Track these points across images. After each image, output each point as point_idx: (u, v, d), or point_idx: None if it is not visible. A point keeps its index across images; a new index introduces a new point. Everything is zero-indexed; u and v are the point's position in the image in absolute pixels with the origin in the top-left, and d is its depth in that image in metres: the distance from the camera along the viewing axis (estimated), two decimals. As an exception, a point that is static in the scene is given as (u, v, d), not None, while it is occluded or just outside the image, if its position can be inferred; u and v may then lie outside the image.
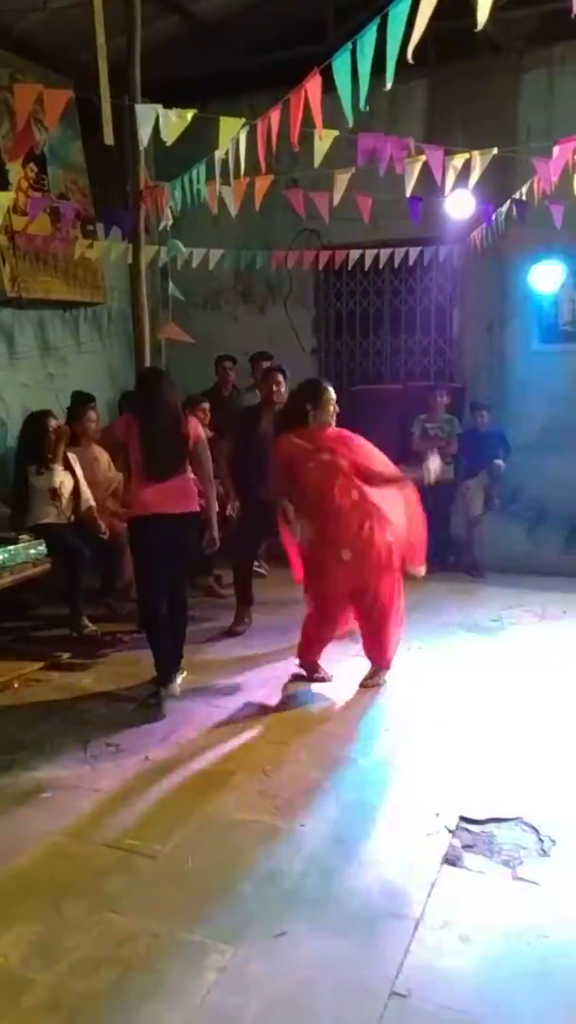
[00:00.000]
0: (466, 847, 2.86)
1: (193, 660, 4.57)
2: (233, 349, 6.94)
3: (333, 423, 4.15)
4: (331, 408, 4.12)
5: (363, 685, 4.25)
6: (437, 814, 3.04)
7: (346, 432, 4.17)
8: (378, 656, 4.29)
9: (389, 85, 2.74)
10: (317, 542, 4.13)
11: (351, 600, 4.20)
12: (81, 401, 5.97)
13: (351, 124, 3.10)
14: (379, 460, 4.15)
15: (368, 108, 3.00)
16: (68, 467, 5.10)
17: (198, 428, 4.24)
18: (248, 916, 2.51)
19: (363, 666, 4.37)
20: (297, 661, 4.36)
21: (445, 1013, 2.13)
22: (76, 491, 5.14)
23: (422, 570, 4.36)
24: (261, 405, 5.21)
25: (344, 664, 4.47)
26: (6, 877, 2.75)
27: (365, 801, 3.18)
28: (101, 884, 2.68)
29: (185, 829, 2.99)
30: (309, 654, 4.33)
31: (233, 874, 2.73)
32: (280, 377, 5.11)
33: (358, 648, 4.44)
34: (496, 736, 3.71)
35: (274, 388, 5.08)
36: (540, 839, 2.89)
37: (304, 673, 4.35)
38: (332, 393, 4.15)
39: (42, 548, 4.88)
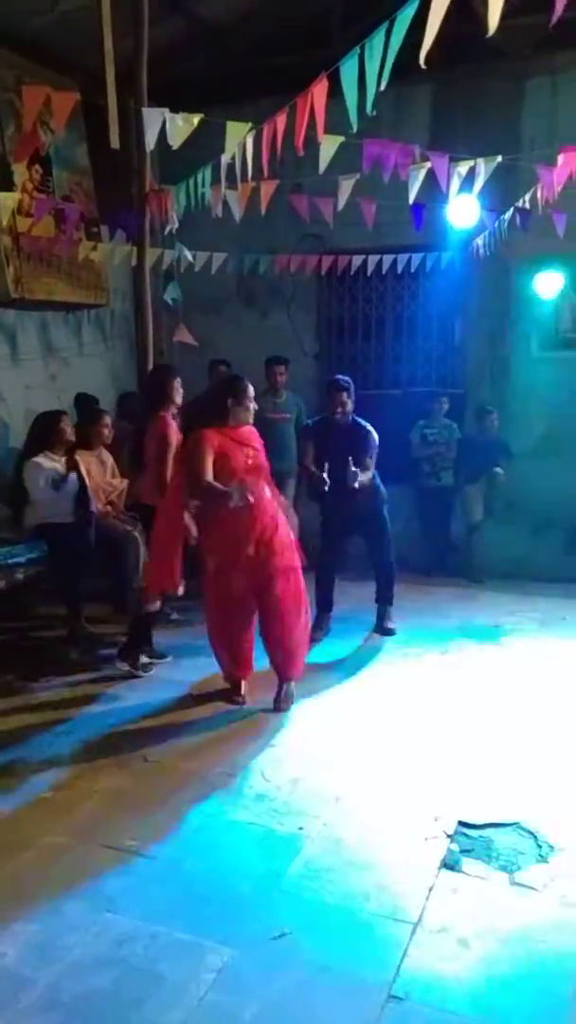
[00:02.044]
0: (464, 852, 2.86)
1: (196, 662, 4.58)
2: (235, 353, 6.95)
3: (250, 423, 4.09)
4: (250, 406, 4.04)
5: (277, 708, 4.01)
6: (436, 818, 3.05)
7: (254, 431, 4.13)
8: (288, 667, 4.07)
9: (383, 86, 2.75)
10: (229, 538, 3.93)
11: (257, 596, 3.99)
12: (88, 404, 5.95)
13: (355, 129, 3.12)
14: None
15: (374, 113, 3.02)
16: (75, 467, 5.08)
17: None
18: (246, 918, 2.52)
19: (367, 673, 4.37)
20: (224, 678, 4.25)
21: (442, 1017, 2.13)
22: (82, 491, 5.12)
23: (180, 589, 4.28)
24: (328, 418, 5.15)
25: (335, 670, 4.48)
26: (5, 876, 2.75)
27: (364, 805, 3.18)
28: (100, 884, 2.68)
29: (184, 830, 2.99)
30: (232, 668, 4.18)
31: (231, 876, 2.73)
32: (344, 396, 5.04)
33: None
34: (495, 741, 3.72)
35: (339, 407, 5.05)
36: (538, 844, 2.89)
37: (229, 691, 4.19)
38: (252, 391, 4.07)
39: (43, 548, 4.89)
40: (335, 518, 5.17)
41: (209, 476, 3.84)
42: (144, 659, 4.61)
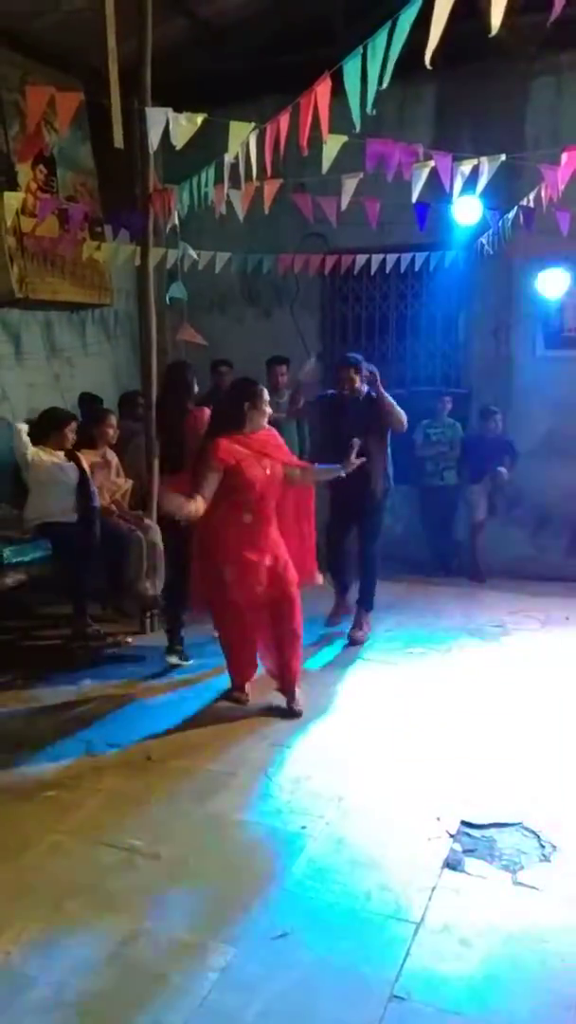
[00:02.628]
0: (467, 851, 2.86)
1: (198, 664, 4.59)
2: (238, 353, 6.95)
3: (266, 425, 4.03)
4: (266, 410, 3.99)
5: (296, 714, 3.98)
6: (438, 818, 3.05)
7: (272, 432, 4.10)
8: (290, 678, 4.05)
9: (385, 84, 2.75)
10: (242, 551, 3.87)
11: (269, 609, 3.98)
12: (92, 404, 5.95)
13: (358, 129, 3.11)
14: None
15: (376, 112, 3.01)
16: (75, 460, 5.08)
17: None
18: (249, 917, 2.52)
19: (370, 672, 4.37)
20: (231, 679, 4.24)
21: (444, 1016, 2.13)
22: (85, 488, 5.13)
23: (319, 579, 4.36)
24: (339, 395, 5.11)
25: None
26: (8, 875, 2.75)
27: (367, 804, 3.18)
28: (103, 883, 2.69)
29: (187, 829, 3.00)
30: (239, 669, 4.19)
31: (234, 875, 2.73)
32: (350, 373, 5.00)
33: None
34: (498, 741, 3.72)
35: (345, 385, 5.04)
36: (541, 844, 2.89)
37: (232, 691, 4.20)
38: (267, 395, 4.03)
39: (47, 547, 4.89)
40: (342, 498, 5.11)
41: (203, 494, 3.75)
42: (175, 659, 4.63)
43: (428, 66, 2.49)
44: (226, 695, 4.18)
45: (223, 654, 4.21)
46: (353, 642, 5.03)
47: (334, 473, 4.20)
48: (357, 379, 5.01)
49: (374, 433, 4.86)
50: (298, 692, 4.06)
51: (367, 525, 5.14)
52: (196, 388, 4.72)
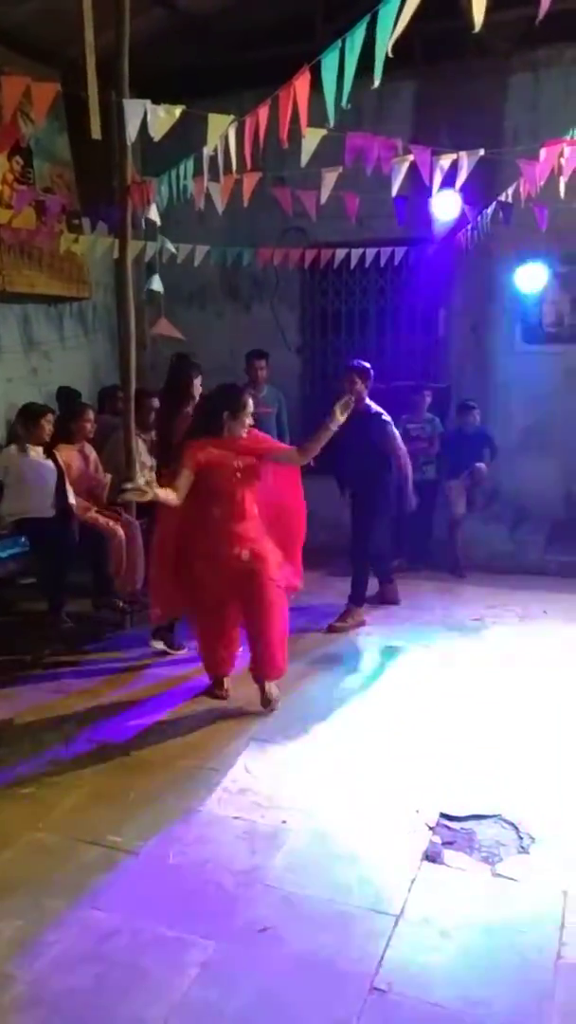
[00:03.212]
0: (446, 844, 2.88)
1: (178, 660, 4.58)
2: (218, 347, 6.93)
3: (245, 435, 3.98)
4: (247, 421, 3.95)
5: (269, 709, 3.95)
6: (417, 811, 3.07)
7: (257, 434, 4.08)
8: (269, 667, 3.97)
9: (377, 83, 2.74)
10: (209, 548, 3.91)
11: (242, 599, 3.96)
12: (71, 398, 5.91)
13: (332, 123, 3.11)
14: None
15: (350, 106, 3.01)
16: (53, 458, 5.06)
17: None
18: (230, 912, 2.52)
19: (350, 667, 4.37)
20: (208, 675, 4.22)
21: (424, 1007, 2.15)
22: (61, 485, 5.10)
23: (299, 584, 4.31)
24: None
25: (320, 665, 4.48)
26: (-13, 873, 2.74)
27: (347, 798, 3.19)
28: (82, 880, 2.68)
29: (167, 825, 2.99)
30: (209, 668, 4.19)
31: (215, 870, 2.74)
32: (352, 379, 5.08)
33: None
34: (477, 734, 3.74)
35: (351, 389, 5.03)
36: (520, 836, 2.92)
37: (211, 687, 4.18)
38: (251, 406, 4.00)
39: (23, 543, 4.86)
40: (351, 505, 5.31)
41: (175, 487, 3.77)
42: (161, 646, 4.60)
43: (389, 54, 2.48)
44: (207, 691, 4.18)
45: (199, 647, 4.21)
46: (330, 629, 5.15)
47: (327, 430, 3.98)
48: (360, 385, 5.06)
49: (373, 449, 5.01)
50: (272, 686, 4.03)
51: (356, 523, 5.28)
52: (199, 390, 4.57)
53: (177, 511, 3.88)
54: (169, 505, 3.81)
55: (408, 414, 6.54)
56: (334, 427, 3.97)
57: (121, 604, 5.14)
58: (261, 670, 3.99)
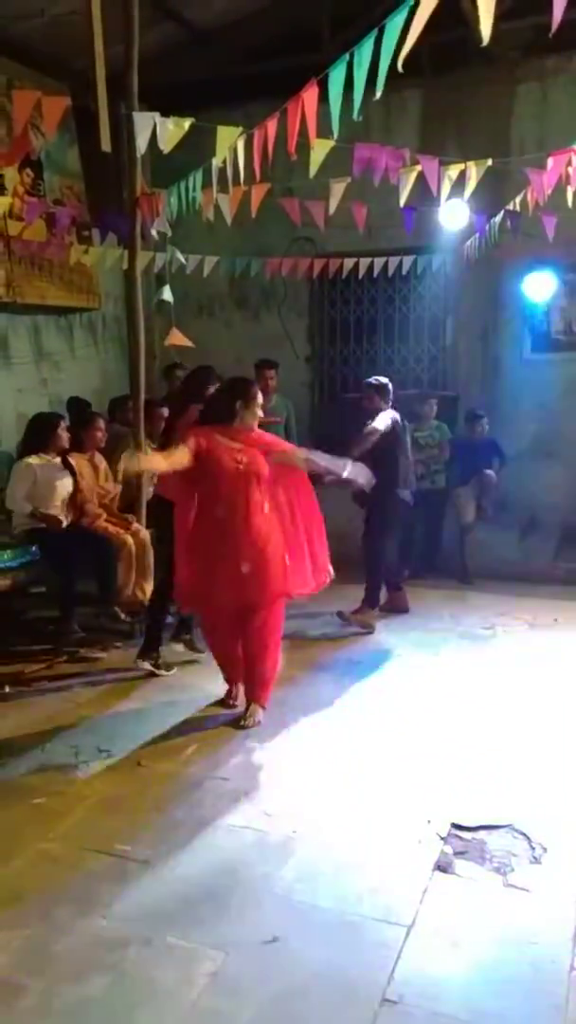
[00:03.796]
0: (458, 854, 2.87)
1: (188, 668, 4.58)
2: (227, 356, 6.95)
3: (256, 428, 3.97)
4: (258, 412, 3.94)
5: (241, 726, 3.88)
6: (429, 821, 3.05)
7: (264, 433, 4.06)
8: (258, 691, 3.96)
9: (379, 95, 2.76)
10: (215, 550, 3.83)
11: (238, 618, 3.93)
12: (80, 407, 5.93)
13: (336, 135, 3.13)
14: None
15: (361, 118, 3.03)
16: (68, 467, 5.08)
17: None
18: (239, 922, 2.51)
19: (359, 675, 4.36)
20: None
21: (436, 1019, 2.13)
22: (74, 495, 5.12)
23: (327, 579, 4.21)
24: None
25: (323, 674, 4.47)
26: (-3, 882, 2.74)
27: (357, 808, 3.18)
28: (92, 889, 2.68)
29: (177, 835, 2.99)
30: (224, 673, 4.16)
31: (225, 880, 2.73)
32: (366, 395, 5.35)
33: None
34: (488, 743, 3.73)
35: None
36: (531, 846, 2.90)
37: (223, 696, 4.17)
38: (260, 397, 4.01)
39: (34, 552, 4.87)
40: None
41: (165, 454, 3.82)
42: (147, 665, 4.59)
43: (400, 69, 2.51)
44: (217, 701, 4.17)
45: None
46: (339, 614, 5.31)
47: (336, 468, 4.06)
48: (377, 402, 5.30)
49: (380, 459, 5.03)
50: (257, 707, 3.95)
51: (367, 532, 5.39)
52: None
53: (190, 512, 3.89)
54: (183, 503, 3.86)
55: (415, 423, 6.54)
56: (342, 475, 4.09)
57: (122, 615, 5.15)
58: (251, 692, 4.01)
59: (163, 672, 4.58)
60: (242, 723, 3.90)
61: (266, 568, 3.83)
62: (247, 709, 3.97)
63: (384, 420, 5.22)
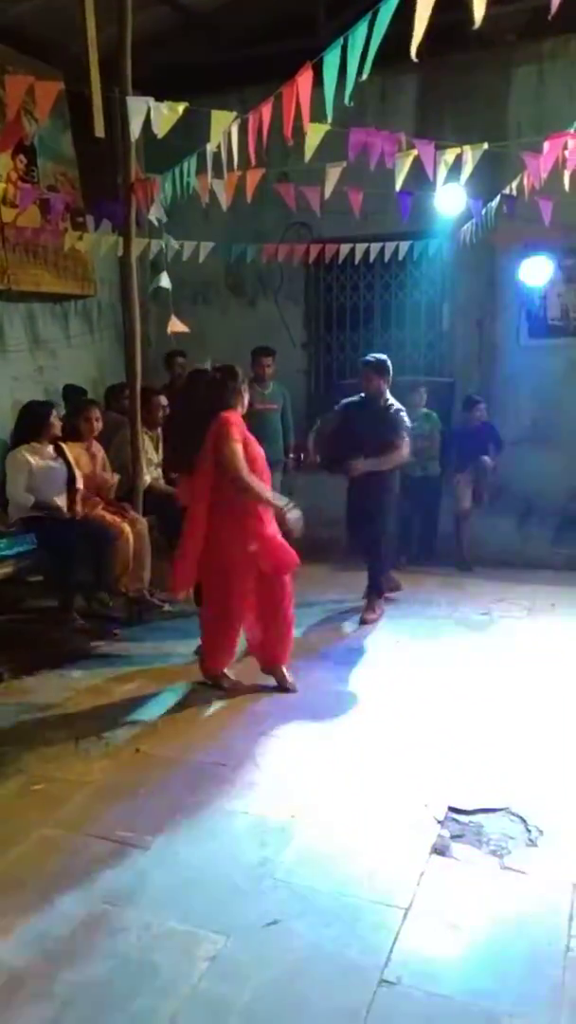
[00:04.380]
0: (454, 837, 2.89)
1: (182, 651, 4.60)
2: (224, 343, 6.94)
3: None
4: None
5: (288, 690, 4.10)
6: (426, 805, 3.07)
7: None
8: (279, 652, 4.13)
9: (365, 76, 2.75)
10: (262, 524, 3.94)
11: (257, 587, 4.03)
12: (76, 395, 5.92)
13: (329, 119, 3.11)
14: None
15: (352, 103, 3.01)
16: (62, 456, 5.07)
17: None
18: (239, 906, 2.53)
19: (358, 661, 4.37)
20: (203, 675, 4.21)
21: (433, 999, 2.16)
22: (71, 483, 5.12)
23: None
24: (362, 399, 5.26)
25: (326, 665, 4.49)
26: (-2, 869, 2.76)
27: (355, 792, 3.20)
28: (93, 875, 2.70)
29: (176, 820, 3.01)
30: (215, 662, 4.18)
31: (224, 864, 2.75)
32: (370, 374, 5.16)
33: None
34: (484, 728, 3.75)
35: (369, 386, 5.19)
36: (528, 829, 2.92)
37: (218, 677, 4.19)
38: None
39: (32, 541, 4.87)
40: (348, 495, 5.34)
41: (248, 472, 3.83)
42: None
43: (414, 59, 2.49)
44: (213, 682, 4.19)
45: (210, 642, 4.19)
46: (363, 622, 5.21)
47: (278, 506, 4.03)
48: (377, 381, 5.12)
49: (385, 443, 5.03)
50: (286, 669, 4.14)
51: (367, 517, 5.30)
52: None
53: (206, 498, 3.92)
54: (202, 493, 3.90)
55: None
56: (284, 515, 4.03)
57: (110, 603, 5.16)
58: (275, 654, 4.13)
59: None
60: (290, 688, 4.12)
61: (273, 536, 3.98)
62: (284, 678, 4.14)
63: (406, 415, 5.15)
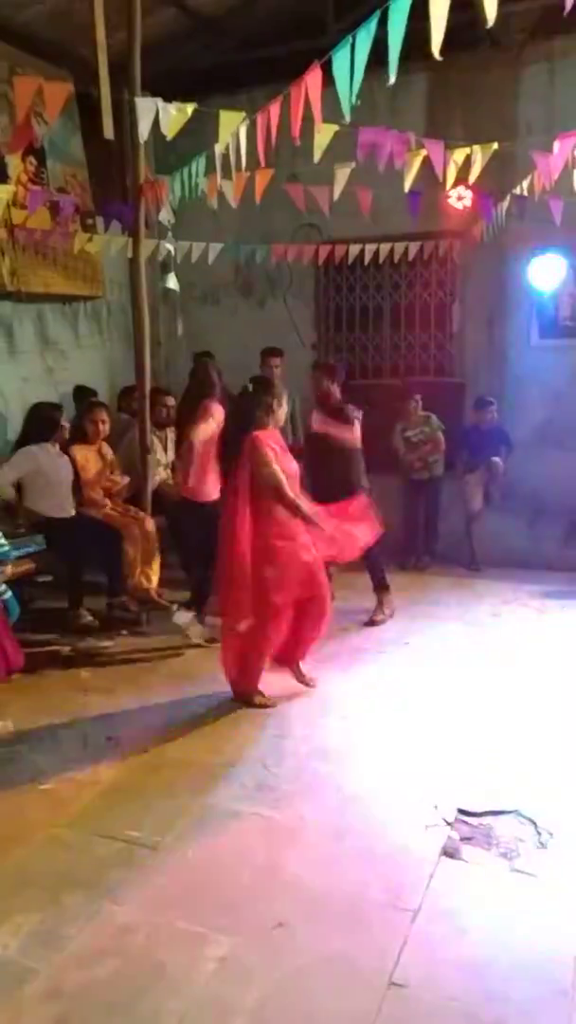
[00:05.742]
0: (464, 839, 2.88)
1: (191, 653, 4.60)
2: (233, 344, 6.94)
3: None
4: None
5: (307, 683, 4.18)
6: (435, 807, 3.06)
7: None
8: (305, 651, 4.19)
9: (393, 79, 2.73)
10: (299, 546, 3.89)
11: (301, 602, 3.98)
12: (86, 397, 5.93)
13: (348, 119, 3.10)
14: None
15: (359, 103, 2.99)
16: (71, 459, 5.09)
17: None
18: (247, 907, 2.53)
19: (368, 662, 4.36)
20: (236, 699, 4.04)
21: (443, 1003, 2.14)
22: (77, 484, 5.13)
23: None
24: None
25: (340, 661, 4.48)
26: (6, 867, 2.76)
27: (364, 794, 3.19)
28: (101, 875, 2.70)
29: (185, 821, 3.00)
30: (250, 681, 4.03)
31: (232, 865, 2.74)
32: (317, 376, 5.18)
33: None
34: (495, 729, 3.73)
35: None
36: (538, 831, 2.90)
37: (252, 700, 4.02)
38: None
39: (40, 542, 4.89)
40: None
41: (291, 493, 3.83)
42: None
43: (438, 57, 2.47)
44: (246, 702, 4.01)
45: (248, 662, 4.00)
46: (372, 622, 5.19)
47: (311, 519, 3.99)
48: (325, 384, 5.10)
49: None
50: (306, 674, 4.21)
51: None
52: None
53: (248, 518, 3.82)
54: (242, 517, 3.81)
55: (402, 422, 6.48)
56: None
57: (131, 606, 5.16)
58: (302, 654, 4.18)
59: (197, 637, 4.71)
60: (311, 682, 4.20)
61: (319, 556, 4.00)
62: (300, 675, 4.19)
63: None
